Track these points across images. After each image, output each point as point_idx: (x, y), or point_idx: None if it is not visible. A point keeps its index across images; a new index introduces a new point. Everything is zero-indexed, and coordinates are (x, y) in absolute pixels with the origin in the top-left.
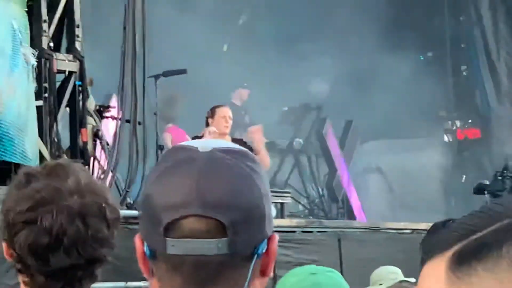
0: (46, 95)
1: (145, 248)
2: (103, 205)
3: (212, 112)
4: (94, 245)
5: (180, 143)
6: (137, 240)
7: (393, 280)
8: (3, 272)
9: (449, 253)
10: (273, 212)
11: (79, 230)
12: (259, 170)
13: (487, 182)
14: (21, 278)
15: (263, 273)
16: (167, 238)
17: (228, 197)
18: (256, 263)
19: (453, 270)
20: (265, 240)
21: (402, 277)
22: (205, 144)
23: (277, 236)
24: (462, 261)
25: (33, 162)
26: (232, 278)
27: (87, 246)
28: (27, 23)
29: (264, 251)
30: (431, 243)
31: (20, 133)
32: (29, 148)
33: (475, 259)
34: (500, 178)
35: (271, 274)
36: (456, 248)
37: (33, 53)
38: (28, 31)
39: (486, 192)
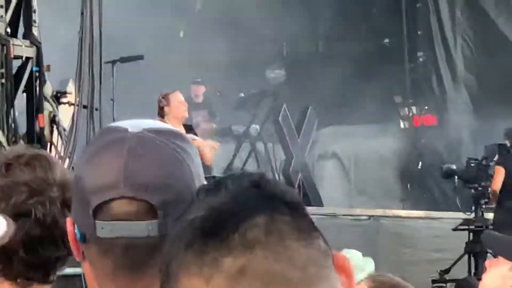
0: (3, 80)
1: (76, 231)
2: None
3: (167, 100)
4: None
5: (111, 124)
6: (68, 223)
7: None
8: None
9: None
10: None
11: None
12: (190, 150)
13: (455, 167)
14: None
15: None
16: (96, 221)
17: (158, 178)
18: None
19: None
20: None
21: (372, 267)
22: (135, 124)
23: None
24: None
25: None
26: None
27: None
28: None
29: None
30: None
31: None
32: None
33: None
34: (473, 165)
35: None
36: None
37: None
38: None
39: (457, 177)
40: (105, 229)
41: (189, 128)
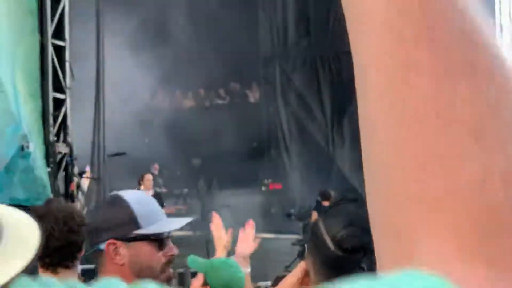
0: (52, 165)
1: None
2: (73, 214)
3: (141, 178)
4: (71, 234)
5: (113, 192)
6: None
7: None
8: None
9: None
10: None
11: (62, 228)
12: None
13: (292, 211)
14: (39, 264)
15: (112, 259)
16: None
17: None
18: (102, 253)
19: None
20: (104, 243)
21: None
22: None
23: (112, 241)
24: None
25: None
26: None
27: (67, 235)
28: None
29: (102, 247)
30: None
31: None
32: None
33: None
34: (302, 211)
35: (121, 262)
36: None
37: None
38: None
39: (292, 216)
40: None
41: (158, 197)
